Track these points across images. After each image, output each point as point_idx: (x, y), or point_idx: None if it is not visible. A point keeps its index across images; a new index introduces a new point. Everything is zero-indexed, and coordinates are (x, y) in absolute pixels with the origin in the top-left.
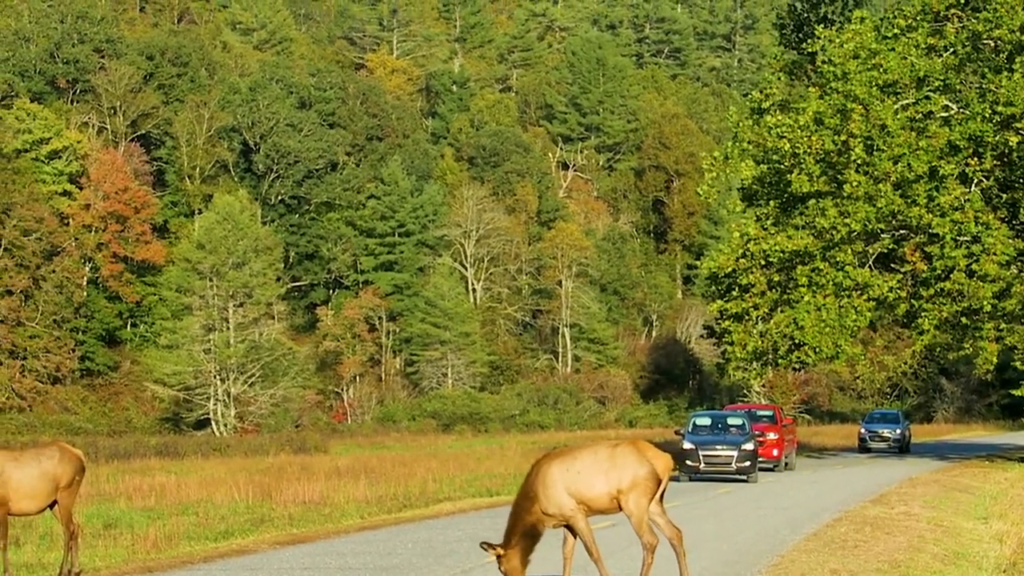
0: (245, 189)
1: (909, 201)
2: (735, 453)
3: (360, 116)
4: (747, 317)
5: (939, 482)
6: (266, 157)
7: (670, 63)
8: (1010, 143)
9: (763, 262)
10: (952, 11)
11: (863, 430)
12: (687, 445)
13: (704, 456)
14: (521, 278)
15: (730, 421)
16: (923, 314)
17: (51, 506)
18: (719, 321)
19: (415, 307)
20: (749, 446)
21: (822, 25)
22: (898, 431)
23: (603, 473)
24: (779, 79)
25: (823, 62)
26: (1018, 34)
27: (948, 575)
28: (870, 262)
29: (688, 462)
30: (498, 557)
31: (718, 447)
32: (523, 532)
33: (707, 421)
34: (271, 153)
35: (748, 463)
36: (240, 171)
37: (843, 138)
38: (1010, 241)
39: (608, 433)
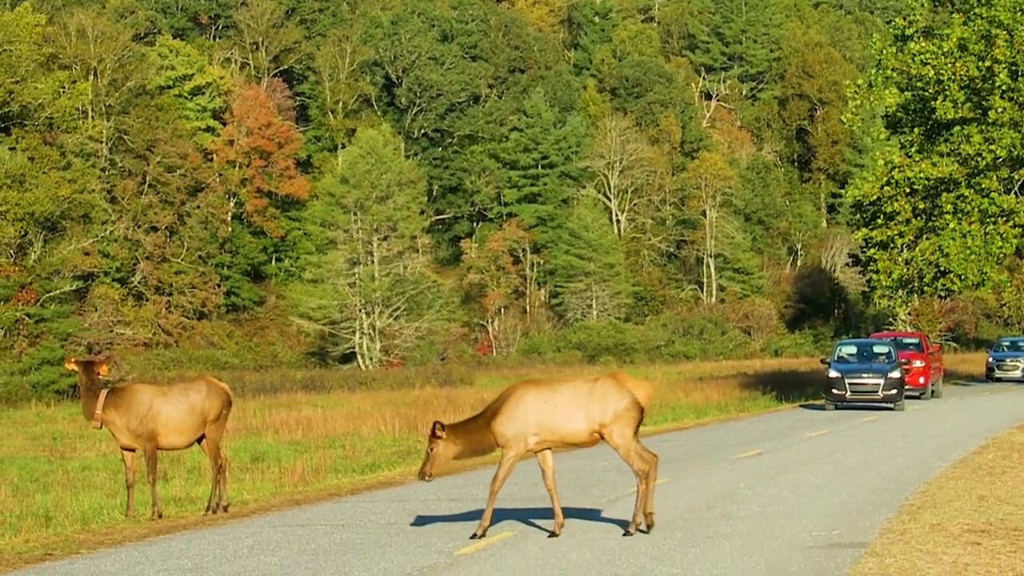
0: (388, 123)
1: None
2: (881, 381)
3: (502, 48)
4: (892, 245)
5: None
6: (408, 91)
7: None
8: None
9: (908, 190)
10: None
11: (991, 358)
12: (833, 374)
13: (850, 384)
14: (665, 209)
15: (876, 349)
16: None
17: (199, 440)
18: (864, 249)
19: (559, 239)
20: (896, 374)
21: None
22: None
23: (583, 408)
24: (922, 6)
25: None
26: None
27: None
28: (1016, 188)
29: (834, 390)
30: (435, 435)
31: (864, 375)
32: (472, 439)
33: (853, 350)
34: (413, 87)
35: (895, 391)
36: (383, 105)
37: (988, 64)
38: None
39: (753, 363)
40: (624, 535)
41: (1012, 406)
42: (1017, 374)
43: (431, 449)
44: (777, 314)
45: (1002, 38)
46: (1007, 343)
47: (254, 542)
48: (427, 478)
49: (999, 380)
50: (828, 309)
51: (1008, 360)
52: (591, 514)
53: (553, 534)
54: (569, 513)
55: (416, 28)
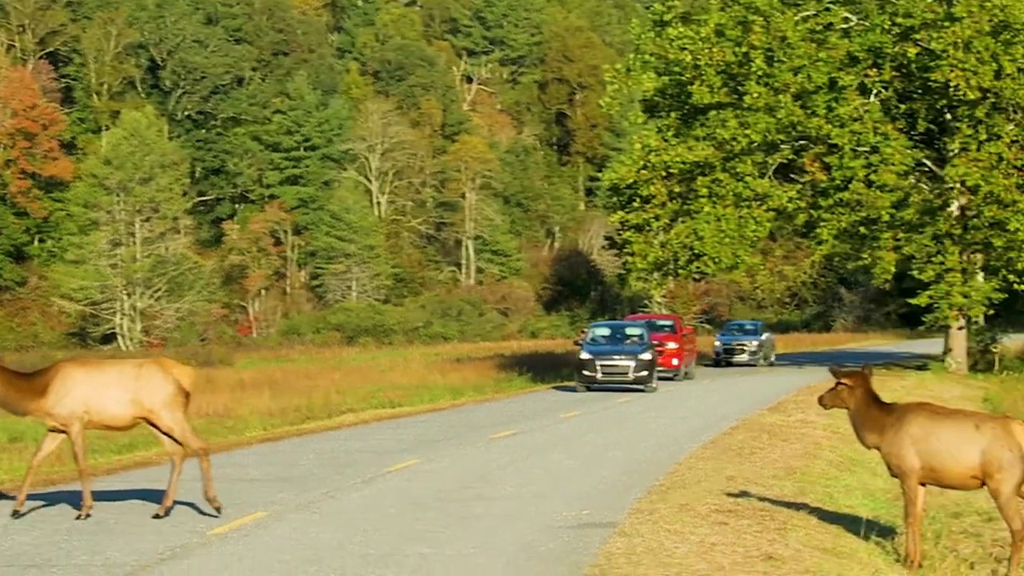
0: (152, 105)
1: (809, 112)
2: (633, 363)
3: (266, 31)
4: (648, 228)
5: None
6: (173, 73)
7: None
8: (908, 54)
9: (664, 173)
10: None
11: (718, 342)
12: (584, 355)
13: (601, 366)
14: (425, 191)
15: (629, 331)
16: (822, 224)
17: None
18: (620, 232)
19: (320, 221)
20: (647, 356)
21: None
22: (755, 343)
23: (129, 392)
24: None
25: None
26: None
27: (843, 481)
28: (770, 173)
29: (585, 372)
30: None
31: (616, 357)
32: (11, 394)
33: (606, 331)
34: (178, 69)
35: (646, 373)
36: (147, 87)
37: (744, 50)
38: (908, 151)
39: (511, 344)
40: (154, 517)
41: (764, 388)
42: (745, 358)
43: None
44: (535, 296)
45: (758, 24)
46: (735, 326)
47: (7, 522)
48: None
49: (730, 365)
50: (585, 291)
51: (735, 343)
52: (343, 495)
53: (16, 512)
54: (321, 493)
55: (181, 11)
